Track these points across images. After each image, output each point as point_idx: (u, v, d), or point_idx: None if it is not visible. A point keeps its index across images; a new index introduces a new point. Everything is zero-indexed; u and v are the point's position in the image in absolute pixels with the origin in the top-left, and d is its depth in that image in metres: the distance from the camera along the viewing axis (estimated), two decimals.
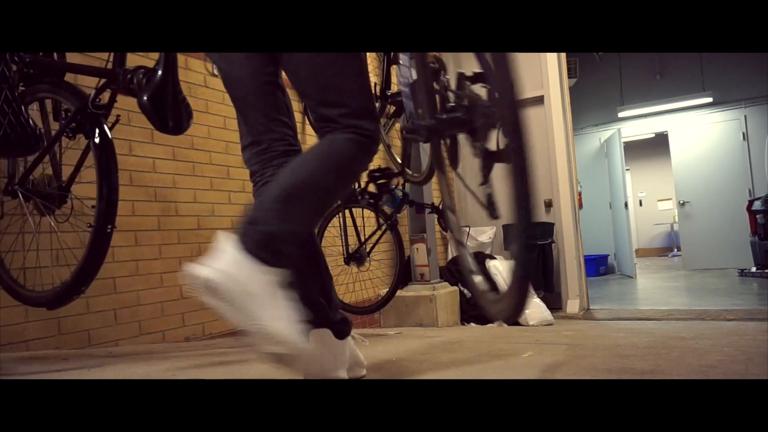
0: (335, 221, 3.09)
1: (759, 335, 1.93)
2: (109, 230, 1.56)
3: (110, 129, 1.63)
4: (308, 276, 1.23)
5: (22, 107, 1.54)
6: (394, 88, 2.56)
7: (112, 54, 1.68)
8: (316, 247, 1.31)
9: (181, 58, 2.79)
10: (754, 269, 6.49)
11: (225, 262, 0.95)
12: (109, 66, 1.65)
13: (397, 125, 2.90)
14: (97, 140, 1.58)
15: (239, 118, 1.29)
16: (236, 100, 1.27)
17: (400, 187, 3.14)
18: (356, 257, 3.05)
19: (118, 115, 1.70)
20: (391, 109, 2.61)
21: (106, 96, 1.67)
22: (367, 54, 1.95)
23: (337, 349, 1.22)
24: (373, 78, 2.53)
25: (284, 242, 1.03)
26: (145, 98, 1.51)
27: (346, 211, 3.07)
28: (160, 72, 1.53)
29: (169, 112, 1.54)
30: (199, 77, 2.89)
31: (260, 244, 0.99)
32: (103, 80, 1.66)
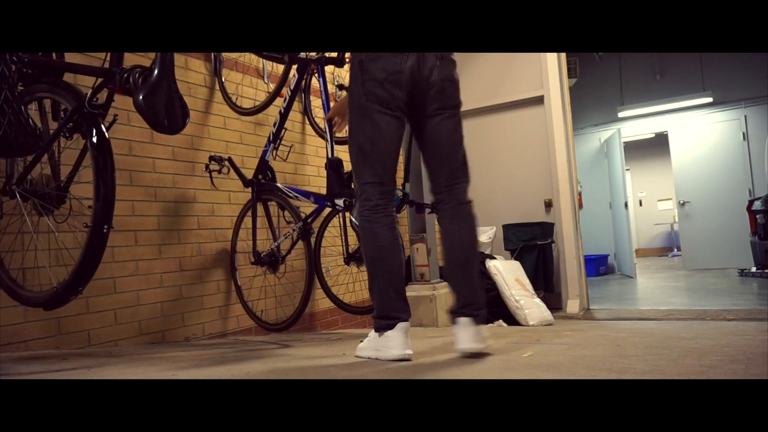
0: (335, 221, 3.08)
1: (759, 335, 1.93)
2: (105, 230, 1.55)
3: (107, 129, 1.62)
4: None
5: (22, 107, 1.54)
6: None
7: (109, 54, 1.66)
8: None
9: (180, 58, 2.78)
10: (754, 269, 6.49)
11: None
12: (106, 65, 1.65)
13: None
14: (94, 140, 1.57)
15: (369, 161, 1.66)
16: (381, 150, 1.66)
17: (400, 187, 3.13)
18: (357, 257, 3.05)
19: (116, 115, 1.69)
20: None
21: (103, 95, 1.66)
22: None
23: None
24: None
25: None
26: (140, 98, 1.49)
27: (346, 212, 3.06)
28: (156, 71, 1.51)
29: (165, 112, 1.52)
30: (199, 77, 2.89)
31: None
32: (99, 80, 1.65)
